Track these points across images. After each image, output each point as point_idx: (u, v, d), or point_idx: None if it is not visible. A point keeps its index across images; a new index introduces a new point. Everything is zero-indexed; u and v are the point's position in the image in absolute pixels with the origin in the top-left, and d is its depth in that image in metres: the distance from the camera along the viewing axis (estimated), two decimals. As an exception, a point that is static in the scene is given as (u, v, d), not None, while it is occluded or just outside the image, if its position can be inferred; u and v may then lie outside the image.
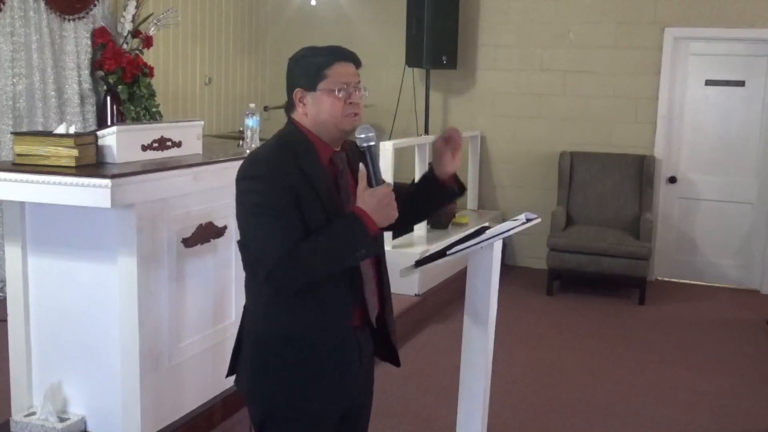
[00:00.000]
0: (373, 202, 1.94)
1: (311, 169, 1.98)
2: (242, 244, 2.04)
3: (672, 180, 6.82)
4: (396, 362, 2.26)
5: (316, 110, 2.01)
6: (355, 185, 2.02)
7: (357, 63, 2.07)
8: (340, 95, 2.00)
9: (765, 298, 6.48)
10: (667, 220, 6.87)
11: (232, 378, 2.20)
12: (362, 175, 1.99)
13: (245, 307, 2.14)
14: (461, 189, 2.30)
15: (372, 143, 2.02)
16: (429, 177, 2.27)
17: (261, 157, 2.01)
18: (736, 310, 6.11)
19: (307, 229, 1.93)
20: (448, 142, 2.21)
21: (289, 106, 2.08)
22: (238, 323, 2.16)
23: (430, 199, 2.32)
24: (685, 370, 4.77)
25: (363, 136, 2.02)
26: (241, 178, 1.99)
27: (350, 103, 2.01)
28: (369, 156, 2.01)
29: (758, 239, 6.63)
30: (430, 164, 2.28)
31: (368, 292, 2.09)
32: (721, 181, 6.72)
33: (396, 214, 1.99)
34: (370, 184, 1.99)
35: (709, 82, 6.67)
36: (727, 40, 6.55)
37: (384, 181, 2.02)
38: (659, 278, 6.87)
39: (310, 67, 2.01)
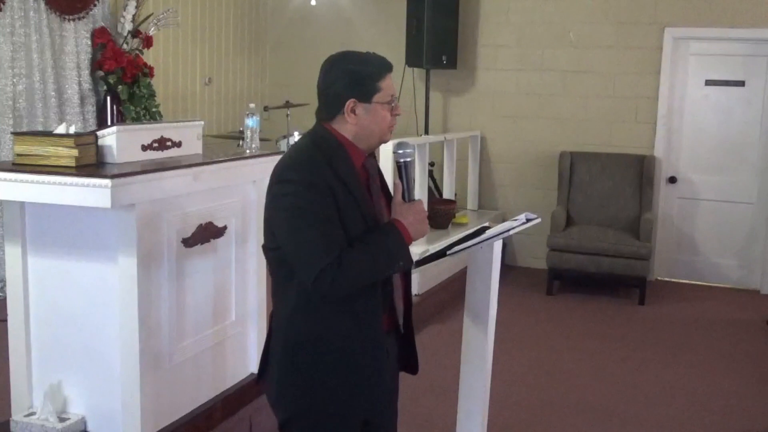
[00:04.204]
0: (410, 217, 1.99)
1: (347, 174, 1.97)
2: (270, 249, 2.01)
3: (672, 180, 6.82)
4: (414, 369, 2.28)
5: (369, 121, 2.00)
6: (384, 191, 2.06)
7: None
8: (391, 107, 2.03)
9: (765, 298, 6.48)
10: (667, 220, 6.86)
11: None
12: (397, 187, 2.02)
13: (272, 314, 2.12)
14: None
15: (409, 159, 2.06)
16: None
17: (298, 161, 1.98)
18: (736, 310, 6.11)
19: (346, 234, 1.92)
20: None
21: (327, 114, 2.04)
22: (238, 323, 2.17)
23: None
24: (685, 370, 4.77)
25: (401, 152, 2.06)
26: (278, 182, 1.96)
27: (394, 115, 2.05)
28: (405, 171, 2.05)
29: (758, 239, 6.63)
30: None
31: (397, 298, 2.10)
32: (721, 181, 6.72)
33: (428, 230, 2.04)
34: (403, 199, 2.03)
35: (709, 82, 6.67)
36: (727, 40, 6.55)
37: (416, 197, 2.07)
38: (659, 278, 6.87)
39: (363, 78, 1.99)
